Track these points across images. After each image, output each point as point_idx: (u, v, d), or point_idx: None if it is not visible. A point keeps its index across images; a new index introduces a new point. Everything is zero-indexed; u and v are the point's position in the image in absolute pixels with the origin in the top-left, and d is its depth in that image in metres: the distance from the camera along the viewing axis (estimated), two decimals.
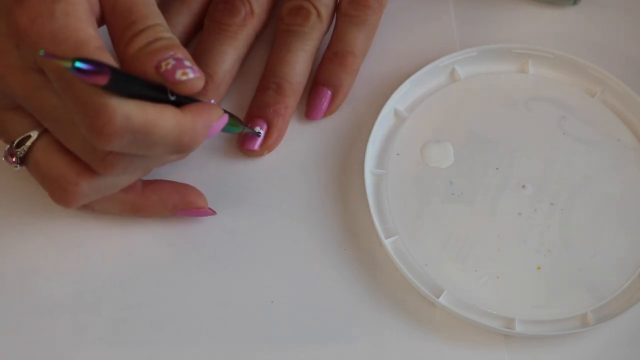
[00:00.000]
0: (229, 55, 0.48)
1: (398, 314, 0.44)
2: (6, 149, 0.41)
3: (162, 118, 0.37)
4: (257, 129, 0.47)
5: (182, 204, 0.44)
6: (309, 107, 0.49)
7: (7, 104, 0.40)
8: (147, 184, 0.44)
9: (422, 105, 0.50)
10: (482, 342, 0.43)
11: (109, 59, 0.37)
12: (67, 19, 0.37)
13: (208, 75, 0.47)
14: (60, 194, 0.40)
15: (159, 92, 0.38)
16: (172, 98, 0.38)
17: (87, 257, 0.45)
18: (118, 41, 0.39)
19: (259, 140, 0.47)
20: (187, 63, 0.38)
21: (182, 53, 0.38)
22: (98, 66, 0.34)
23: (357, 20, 0.49)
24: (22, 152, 0.40)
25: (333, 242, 0.46)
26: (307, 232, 0.46)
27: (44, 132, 0.40)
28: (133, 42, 0.38)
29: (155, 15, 0.39)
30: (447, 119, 0.49)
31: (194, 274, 0.45)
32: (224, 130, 0.43)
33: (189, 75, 0.37)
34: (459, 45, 0.52)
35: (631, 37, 0.54)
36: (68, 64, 0.33)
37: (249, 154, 0.48)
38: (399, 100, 0.49)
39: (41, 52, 0.33)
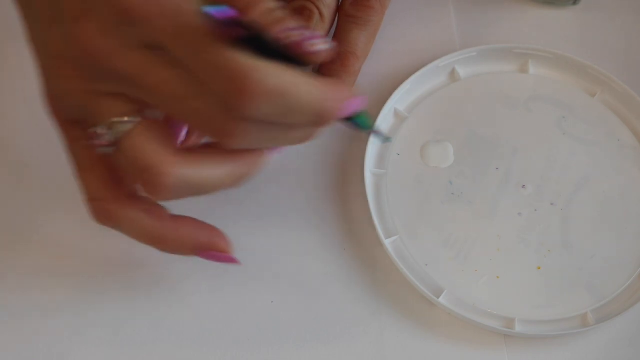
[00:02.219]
0: None
1: (398, 314, 0.44)
2: (95, 129, 0.38)
3: (304, 82, 0.34)
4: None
5: (208, 245, 0.41)
6: None
7: (109, 89, 0.37)
8: (176, 216, 0.41)
9: (422, 105, 0.50)
10: (482, 342, 0.43)
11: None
12: None
13: None
14: (148, 183, 0.37)
15: (293, 59, 0.35)
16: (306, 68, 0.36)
17: (88, 257, 0.45)
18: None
19: None
20: (316, 33, 0.36)
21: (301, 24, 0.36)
22: (236, 19, 0.32)
23: (360, 21, 0.49)
24: (117, 134, 0.37)
25: (333, 242, 0.46)
26: (307, 232, 0.46)
27: (141, 120, 0.38)
28: (250, 9, 0.36)
29: None
30: (447, 119, 0.49)
31: (194, 274, 0.45)
32: (355, 121, 0.40)
33: (319, 45, 0.35)
34: (459, 45, 0.52)
35: (631, 37, 0.54)
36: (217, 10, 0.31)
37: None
38: (399, 100, 0.49)
39: (205, 9, 0.32)
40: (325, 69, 0.49)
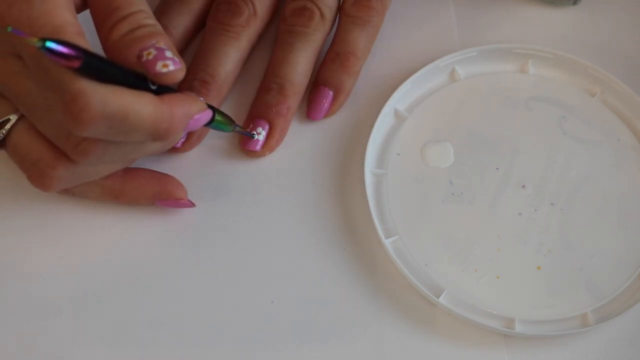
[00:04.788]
0: (232, 56, 0.48)
1: (398, 314, 0.44)
2: None
3: (139, 104, 0.36)
4: (259, 130, 0.47)
5: (161, 194, 0.44)
6: (310, 108, 0.49)
7: None
8: (128, 170, 0.44)
9: (422, 105, 0.50)
10: (482, 342, 0.43)
11: (86, 45, 0.36)
12: (44, 5, 0.36)
13: (210, 75, 0.47)
14: (37, 178, 0.40)
15: (139, 80, 0.37)
16: (153, 87, 0.38)
17: (88, 258, 0.45)
18: (100, 28, 0.39)
19: (261, 140, 0.47)
20: (169, 54, 0.38)
21: (164, 41, 0.38)
22: (70, 48, 0.34)
23: (360, 21, 0.49)
24: (1, 134, 0.40)
25: (333, 242, 0.46)
26: (307, 232, 0.46)
27: (22, 116, 0.40)
28: (115, 29, 0.38)
29: (138, 1, 0.39)
30: (447, 119, 0.49)
31: (194, 274, 0.45)
32: (214, 127, 0.43)
33: (169, 67, 0.37)
34: (459, 45, 0.52)
35: (631, 37, 0.54)
36: (39, 44, 0.33)
37: (251, 154, 0.48)
38: (399, 100, 0.49)
39: (9, 29, 0.33)
40: (325, 69, 0.49)
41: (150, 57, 0.37)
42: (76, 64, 0.34)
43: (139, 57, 0.37)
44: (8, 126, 0.40)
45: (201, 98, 0.42)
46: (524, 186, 0.47)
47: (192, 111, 0.39)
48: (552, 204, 0.47)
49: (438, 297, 0.43)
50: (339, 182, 0.48)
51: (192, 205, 0.45)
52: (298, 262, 0.45)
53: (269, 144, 0.48)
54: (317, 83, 0.49)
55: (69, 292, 0.44)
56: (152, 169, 0.45)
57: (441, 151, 0.48)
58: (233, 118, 0.45)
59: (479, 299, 0.44)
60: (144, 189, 0.44)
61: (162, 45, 0.38)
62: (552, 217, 0.46)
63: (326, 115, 0.49)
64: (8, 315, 0.43)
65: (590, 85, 0.51)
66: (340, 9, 0.50)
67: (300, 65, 0.48)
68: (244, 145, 0.47)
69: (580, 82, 0.51)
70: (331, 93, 0.49)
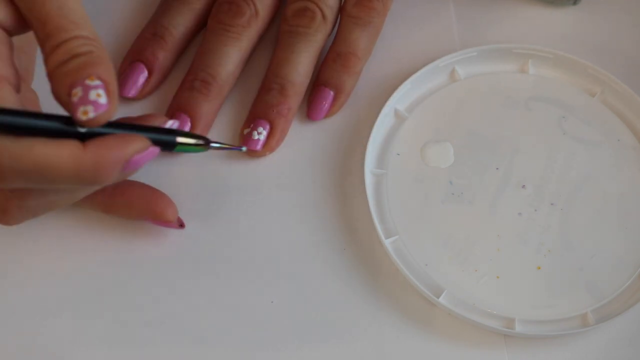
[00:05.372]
0: (233, 56, 0.48)
1: (398, 314, 0.44)
2: None
3: (57, 156, 0.34)
4: (260, 130, 0.47)
5: (149, 213, 0.44)
6: (310, 108, 0.49)
7: None
8: (119, 186, 0.43)
9: (422, 105, 0.50)
10: (482, 342, 0.43)
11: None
12: None
13: (211, 76, 0.47)
14: None
15: (65, 124, 0.35)
16: (82, 130, 0.35)
17: (88, 258, 0.45)
18: (42, 54, 0.36)
19: (262, 140, 0.47)
20: (93, 95, 0.34)
21: (98, 72, 0.35)
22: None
23: (361, 21, 0.49)
24: None
25: (333, 242, 0.46)
26: (307, 232, 0.46)
27: None
28: (48, 60, 0.35)
29: (72, 25, 0.35)
30: (447, 119, 0.49)
31: (194, 274, 0.45)
32: (182, 151, 0.39)
33: (89, 114, 0.34)
34: (459, 45, 0.52)
35: (631, 37, 0.54)
36: None
37: (251, 154, 0.48)
38: (399, 100, 0.49)
39: None
40: (326, 69, 0.49)
41: (76, 99, 0.34)
42: None
43: (69, 94, 0.34)
44: None
45: (143, 137, 0.38)
46: (524, 186, 0.47)
47: (125, 155, 0.35)
48: (552, 204, 0.47)
49: (438, 297, 0.43)
50: (339, 182, 0.48)
51: (181, 227, 0.45)
52: (298, 262, 0.45)
53: (270, 144, 0.48)
54: (318, 83, 0.49)
55: (69, 292, 0.44)
56: (152, 172, 0.45)
57: (441, 151, 0.48)
58: (234, 118, 0.45)
59: (479, 299, 0.44)
60: (133, 206, 0.44)
61: (91, 81, 0.34)
62: (552, 217, 0.46)
63: (326, 116, 0.49)
64: (8, 315, 0.43)
65: (590, 85, 0.51)
66: (341, 10, 0.50)
67: (301, 65, 0.48)
68: (244, 143, 0.47)
69: (580, 82, 0.51)
70: (332, 93, 0.49)
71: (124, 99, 0.48)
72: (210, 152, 0.48)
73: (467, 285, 0.44)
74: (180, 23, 0.49)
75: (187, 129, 0.47)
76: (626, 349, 0.44)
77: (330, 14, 0.49)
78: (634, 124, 0.50)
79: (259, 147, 0.47)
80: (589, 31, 0.54)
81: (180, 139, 0.39)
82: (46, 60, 0.35)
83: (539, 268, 0.45)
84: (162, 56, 0.49)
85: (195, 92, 0.47)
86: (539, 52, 0.51)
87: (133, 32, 0.50)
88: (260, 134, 0.47)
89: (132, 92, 0.48)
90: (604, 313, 0.44)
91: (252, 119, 0.48)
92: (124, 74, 0.48)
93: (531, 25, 0.54)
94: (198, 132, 0.47)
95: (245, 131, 0.48)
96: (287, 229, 0.46)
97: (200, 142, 0.40)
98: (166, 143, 0.38)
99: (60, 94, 0.35)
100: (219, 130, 0.49)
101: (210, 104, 0.47)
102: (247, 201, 0.47)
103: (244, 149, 0.44)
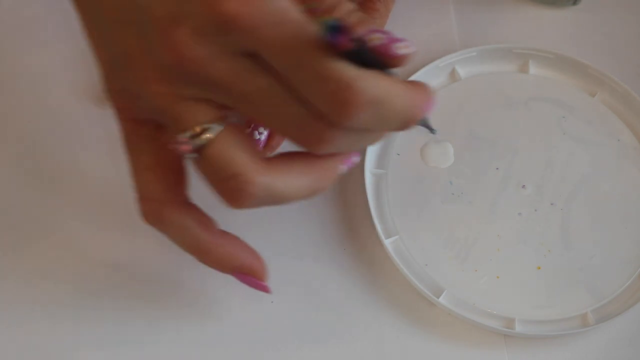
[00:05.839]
0: None
1: (398, 314, 0.44)
2: (178, 137, 0.37)
3: (396, 89, 0.35)
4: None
5: (247, 269, 0.41)
6: None
7: (195, 94, 0.36)
8: (224, 232, 0.41)
9: None
10: (482, 342, 0.43)
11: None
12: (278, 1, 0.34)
13: None
14: (232, 192, 0.37)
15: (380, 63, 0.35)
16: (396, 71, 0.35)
17: (88, 258, 0.45)
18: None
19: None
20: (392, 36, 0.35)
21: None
22: (347, 32, 0.32)
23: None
24: (203, 141, 0.36)
25: (333, 242, 0.46)
26: (307, 232, 0.46)
27: (227, 126, 0.37)
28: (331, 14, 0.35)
29: None
30: (447, 119, 0.49)
31: (194, 274, 0.45)
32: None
33: (409, 48, 0.34)
34: (459, 45, 0.52)
35: (631, 37, 0.54)
36: (324, 27, 0.31)
37: None
38: None
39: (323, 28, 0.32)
40: None
41: (385, 39, 0.34)
42: (350, 45, 0.32)
43: (370, 38, 0.34)
44: (210, 135, 0.36)
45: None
46: (524, 186, 0.47)
47: (428, 97, 0.36)
48: (552, 204, 0.47)
49: (438, 297, 0.43)
50: (339, 182, 0.48)
51: (269, 291, 0.42)
52: (298, 262, 0.45)
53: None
54: None
55: (69, 292, 0.44)
56: None
57: (441, 151, 0.48)
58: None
59: (479, 299, 0.44)
60: (235, 257, 0.40)
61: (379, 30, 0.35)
62: (552, 217, 0.46)
63: None
64: (8, 315, 0.43)
65: (590, 85, 0.51)
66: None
67: None
68: None
69: (580, 82, 0.51)
70: None
71: None
72: None
73: (467, 285, 0.44)
74: None
75: None
76: (626, 349, 0.44)
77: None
78: (634, 124, 0.50)
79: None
80: (589, 31, 0.54)
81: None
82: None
83: (539, 268, 0.45)
84: None
85: None
86: (539, 52, 0.51)
87: None
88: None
89: None
90: (604, 313, 0.44)
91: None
92: None
93: (531, 25, 0.54)
94: None
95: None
96: (287, 229, 0.46)
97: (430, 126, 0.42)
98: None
99: (366, 40, 0.34)
100: None
101: None
102: None
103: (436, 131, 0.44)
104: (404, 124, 0.36)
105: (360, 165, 0.47)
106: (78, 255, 0.45)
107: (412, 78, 0.49)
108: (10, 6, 0.53)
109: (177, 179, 0.39)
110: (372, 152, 0.48)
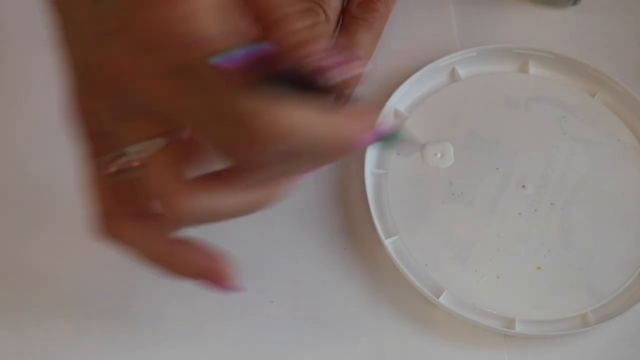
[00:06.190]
0: None
1: (398, 314, 0.44)
2: (106, 157, 0.36)
3: (319, 119, 0.32)
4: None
5: (209, 274, 0.39)
6: None
7: (134, 110, 0.35)
8: (183, 240, 0.39)
9: (422, 105, 0.50)
10: (482, 342, 0.43)
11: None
12: (207, 16, 0.32)
13: None
14: (166, 209, 0.36)
15: (312, 88, 0.33)
16: (328, 97, 0.33)
17: (88, 258, 0.45)
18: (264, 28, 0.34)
19: None
20: (342, 55, 0.33)
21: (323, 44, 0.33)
22: (255, 55, 0.30)
23: (365, 23, 0.49)
24: (138, 158, 0.36)
25: (333, 242, 0.46)
26: (307, 232, 0.46)
27: (163, 144, 0.36)
28: (273, 31, 0.33)
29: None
30: (447, 119, 0.49)
31: None
32: (386, 143, 0.37)
33: (346, 73, 0.33)
34: (459, 45, 0.52)
35: (631, 37, 0.54)
36: (216, 59, 0.30)
37: None
38: (399, 100, 0.49)
39: (211, 59, 0.30)
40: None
41: (326, 62, 0.33)
42: (258, 74, 0.30)
43: (306, 61, 0.33)
44: (146, 152, 0.36)
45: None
46: (524, 186, 0.47)
47: (367, 127, 0.34)
48: (552, 204, 0.47)
49: (438, 297, 0.43)
50: (339, 182, 0.48)
51: (239, 290, 0.40)
52: (298, 262, 0.45)
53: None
54: None
55: (69, 292, 0.44)
56: None
57: (441, 151, 0.48)
58: None
59: (479, 299, 0.44)
60: (194, 263, 0.39)
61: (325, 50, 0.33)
62: (552, 217, 0.46)
63: None
64: (8, 315, 0.43)
65: (590, 85, 0.51)
66: (344, 11, 0.50)
67: None
68: None
69: (580, 82, 0.51)
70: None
71: None
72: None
73: (467, 285, 0.44)
74: None
75: None
76: (626, 349, 0.44)
77: (333, 15, 0.49)
78: (634, 124, 0.50)
79: None
80: (589, 31, 0.54)
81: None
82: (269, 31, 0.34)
83: (539, 268, 0.45)
84: None
85: None
86: (539, 52, 0.51)
87: None
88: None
89: None
90: (604, 313, 0.44)
91: None
92: None
93: (531, 25, 0.54)
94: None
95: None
96: (287, 229, 0.46)
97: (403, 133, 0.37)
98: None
99: (296, 61, 0.33)
100: None
101: None
102: None
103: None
104: (333, 154, 0.34)
105: (360, 165, 0.47)
106: (78, 255, 0.45)
107: (412, 78, 0.49)
108: (10, 6, 0.53)
109: (130, 192, 0.37)
110: (372, 152, 0.48)
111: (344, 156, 0.34)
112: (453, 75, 0.51)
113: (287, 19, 0.34)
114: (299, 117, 0.31)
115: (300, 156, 0.33)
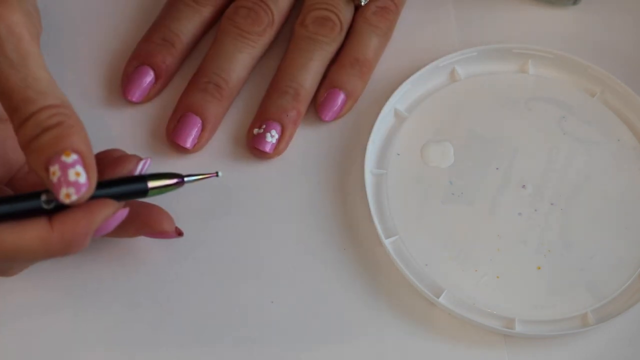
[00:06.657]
0: (246, 63, 0.48)
1: (398, 314, 0.44)
2: None
3: (26, 239, 0.35)
4: (273, 132, 0.46)
5: (144, 229, 0.42)
6: (324, 108, 0.48)
7: None
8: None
9: (422, 105, 0.50)
10: (482, 342, 0.43)
11: None
12: None
13: (224, 81, 0.47)
14: None
15: (30, 203, 0.35)
16: (48, 207, 0.36)
17: (88, 258, 0.45)
18: (13, 128, 0.35)
19: (273, 143, 0.47)
20: (72, 174, 0.34)
21: (73, 144, 0.34)
22: None
23: (379, 31, 0.50)
24: None
25: (333, 242, 0.46)
26: (307, 232, 0.46)
27: None
28: (19, 134, 0.35)
29: (38, 96, 0.34)
30: (447, 119, 0.49)
31: (194, 274, 0.45)
32: (158, 194, 0.39)
33: (71, 197, 0.34)
34: (459, 45, 0.52)
35: (631, 37, 0.54)
36: None
37: (258, 154, 0.47)
38: (399, 100, 0.49)
39: None
40: (343, 73, 0.49)
41: (55, 179, 0.34)
42: None
43: (47, 170, 0.34)
44: None
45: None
46: (524, 186, 0.47)
47: (93, 225, 0.36)
48: (552, 204, 0.47)
49: (438, 297, 0.43)
50: (339, 182, 0.48)
51: (180, 235, 0.43)
52: (298, 262, 0.45)
53: (278, 148, 0.47)
54: (331, 85, 0.49)
55: (69, 292, 0.44)
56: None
57: (441, 151, 0.48)
58: (227, 116, 0.45)
59: (479, 299, 0.44)
60: (128, 225, 0.40)
61: (67, 157, 0.34)
62: (552, 217, 0.46)
63: (336, 118, 0.49)
64: (8, 315, 0.43)
65: (590, 85, 0.51)
66: (358, 16, 0.50)
67: (316, 73, 0.48)
68: (254, 144, 0.47)
69: (580, 82, 0.51)
70: (344, 96, 0.49)
71: (128, 102, 0.48)
72: (210, 151, 0.48)
73: (467, 285, 0.44)
74: (190, 30, 0.49)
75: (197, 130, 0.46)
76: (626, 349, 0.44)
77: (346, 25, 0.50)
78: (634, 124, 0.50)
79: (271, 149, 0.47)
80: (589, 31, 0.54)
81: (152, 184, 0.38)
82: (17, 134, 0.35)
83: (539, 268, 0.45)
84: (170, 62, 0.48)
85: (207, 94, 0.47)
86: (539, 52, 0.51)
87: (134, 33, 0.50)
88: (273, 137, 0.47)
89: (136, 96, 0.48)
90: (604, 313, 0.44)
91: (264, 120, 0.47)
92: (130, 77, 0.48)
93: (531, 25, 0.54)
94: (206, 134, 0.47)
95: (256, 131, 0.47)
96: (287, 229, 0.46)
97: (174, 181, 0.39)
98: (138, 192, 0.38)
99: (38, 169, 0.35)
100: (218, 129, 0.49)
101: (221, 107, 0.47)
102: (247, 201, 0.47)
103: (220, 174, 0.41)
104: (52, 258, 0.36)
105: (360, 165, 0.47)
106: (78, 255, 0.45)
107: (412, 78, 0.49)
108: None
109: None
110: (372, 152, 0.48)
111: (64, 255, 0.36)
112: (453, 75, 0.51)
113: (33, 119, 0.34)
114: (3, 242, 0.35)
115: (15, 262, 0.38)
